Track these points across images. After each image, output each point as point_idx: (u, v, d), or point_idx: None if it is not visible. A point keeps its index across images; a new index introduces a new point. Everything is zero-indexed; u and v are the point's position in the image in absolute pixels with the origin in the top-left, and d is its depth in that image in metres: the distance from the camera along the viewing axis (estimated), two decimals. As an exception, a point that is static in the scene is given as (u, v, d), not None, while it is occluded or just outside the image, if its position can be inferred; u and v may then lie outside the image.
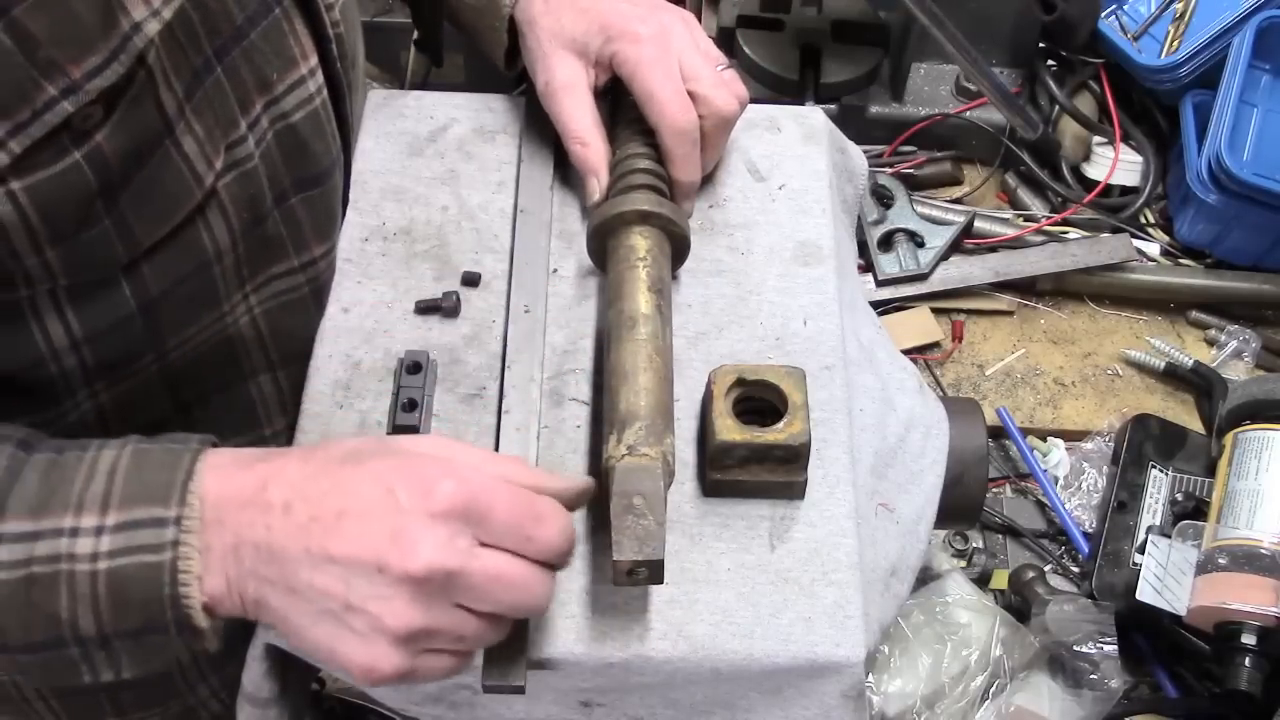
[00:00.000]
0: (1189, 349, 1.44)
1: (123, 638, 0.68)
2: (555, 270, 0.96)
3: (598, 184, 0.94)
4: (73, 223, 0.69)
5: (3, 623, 0.67)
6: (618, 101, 0.98)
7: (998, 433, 1.36)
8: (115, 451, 0.69)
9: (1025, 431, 1.37)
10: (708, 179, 1.00)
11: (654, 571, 0.75)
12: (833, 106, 1.53)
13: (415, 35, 1.10)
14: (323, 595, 0.66)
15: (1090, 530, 1.29)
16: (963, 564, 1.28)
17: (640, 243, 0.89)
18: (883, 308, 1.44)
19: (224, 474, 0.69)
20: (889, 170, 1.54)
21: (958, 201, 1.55)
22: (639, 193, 0.91)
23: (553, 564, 0.71)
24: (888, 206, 1.48)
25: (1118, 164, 1.53)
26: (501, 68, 1.00)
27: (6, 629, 0.67)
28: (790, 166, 1.02)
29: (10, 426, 0.71)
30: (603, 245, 0.91)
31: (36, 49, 0.62)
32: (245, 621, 0.80)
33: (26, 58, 0.62)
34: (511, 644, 0.76)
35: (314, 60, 0.83)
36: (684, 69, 0.92)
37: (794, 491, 0.85)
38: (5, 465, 0.67)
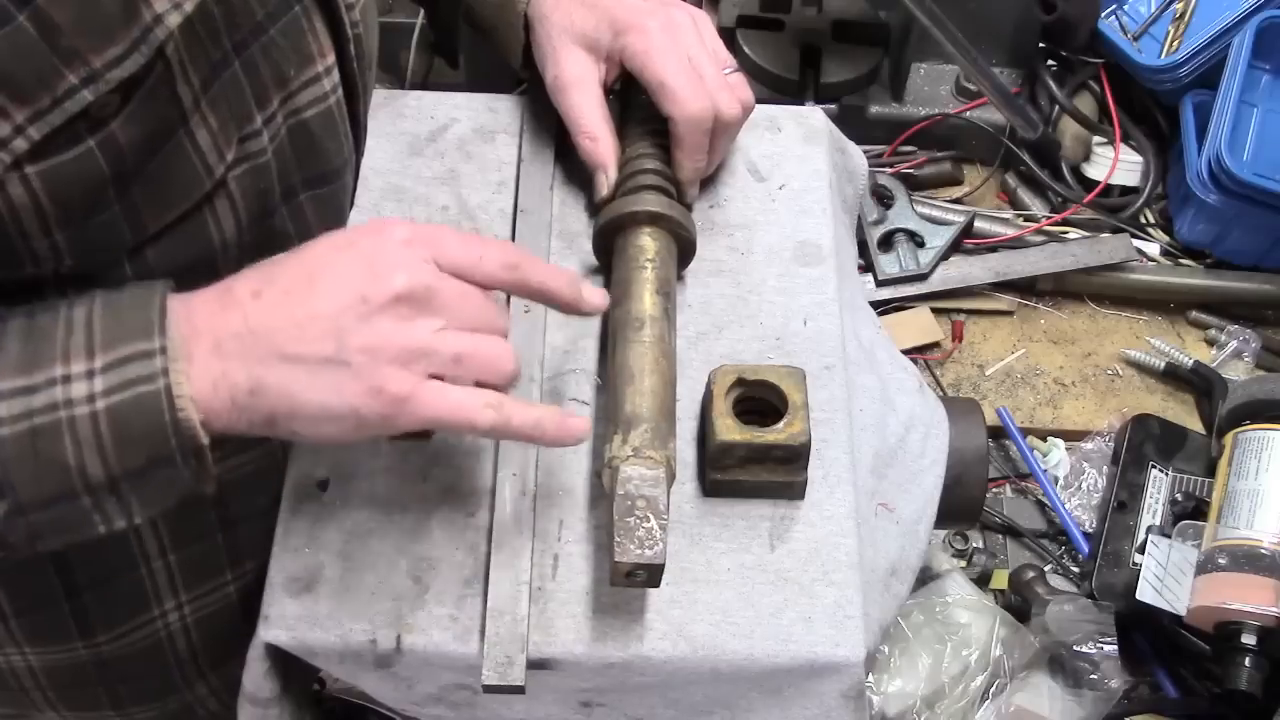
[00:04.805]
0: (1189, 349, 1.44)
1: (131, 478, 0.69)
2: (555, 270, 0.96)
3: (606, 179, 0.93)
4: (83, 208, 0.70)
5: (15, 479, 0.67)
6: (627, 101, 0.98)
7: (998, 433, 1.36)
8: (86, 306, 0.70)
9: (1025, 431, 1.37)
10: (708, 179, 0.99)
11: (652, 575, 0.75)
12: (833, 106, 1.53)
13: (431, 38, 1.10)
14: (317, 348, 0.69)
15: (1090, 530, 1.29)
16: (963, 564, 1.28)
17: (649, 244, 0.89)
18: (883, 308, 1.44)
19: (190, 298, 0.72)
20: (889, 170, 1.54)
21: (958, 201, 1.55)
22: (650, 193, 0.90)
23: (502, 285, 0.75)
24: (888, 206, 1.48)
25: (1118, 164, 1.53)
26: (518, 65, 1.00)
27: (19, 485, 0.67)
28: (790, 166, 1.02)
29: None
30: (609, 243, 0.91)
31: (59, 37, 0.62)
32: (247, 619, 0.81)
33: (49, 46, 0.62)
34: (511, 644, 0.77)
35: (331, 59, 0.83)
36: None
37: (794, 491, 0.85)
38: None
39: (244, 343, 0.70)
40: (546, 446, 0.82)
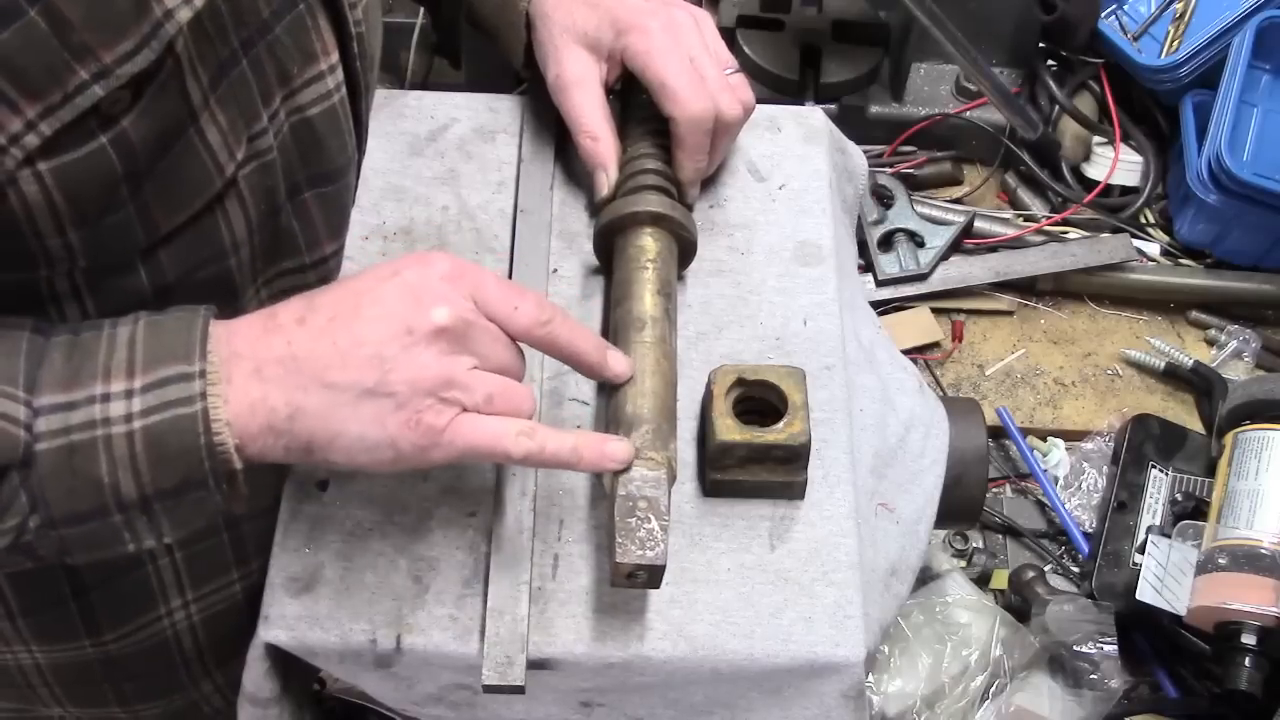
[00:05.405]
0: (1189, 349, 1.44)
1: (163, 498, 0.70)
2: (555, 270, 0.96)
3: (606, 179, 0.93)
4: (96, 206, 0.70)
5: (49, 494, 0.68)
6: (628, 101, 0.98)
7: (998, 433, 1.36)
8: (130, 326, 0.71)
9: (1025, 431, 1.37)
10: (708, 179, 0.99)
11: (653, 576, 0.75)
12: (833, 106, 1.53)
13: (433, 38, 1.09)
14: (358, 377, 0.70)
15: (1090, 530, 1.29)
16: (963, 564, 1.28)
17: (650, 244, 0.89)
18: (883, 308, 1.44)
19: (232, 324, 0.72)
20: (889, 170, 1.54)
21: (958, 201, 1.55)
22: (651, 194, 0.90)
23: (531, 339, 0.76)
24: (888, 206, 1.48)
25: (1118, 164, 1.53)
26: (520, 64, 1.00)
27: (53, 500, 0.68)
28: (790, 166, 1.02)
29: (17, 318, 0.71)
30: (610, 243, 0.91)
31: (70, 32, 0.63)
32: (253, 618, 0.81)
33: (60, 41, 0.62)
34: (511, 644, 0.77)
35: (335, 57, 0.83)
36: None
37: (794, 491, 0.85)
38: (26, 348, 0.69)
39: (286, 368, 0.70)
40: (584, 472, 0.82)
